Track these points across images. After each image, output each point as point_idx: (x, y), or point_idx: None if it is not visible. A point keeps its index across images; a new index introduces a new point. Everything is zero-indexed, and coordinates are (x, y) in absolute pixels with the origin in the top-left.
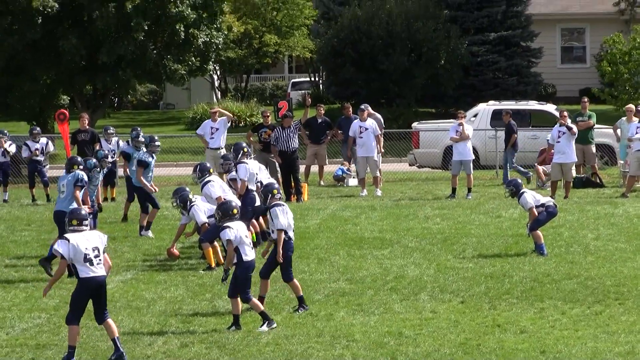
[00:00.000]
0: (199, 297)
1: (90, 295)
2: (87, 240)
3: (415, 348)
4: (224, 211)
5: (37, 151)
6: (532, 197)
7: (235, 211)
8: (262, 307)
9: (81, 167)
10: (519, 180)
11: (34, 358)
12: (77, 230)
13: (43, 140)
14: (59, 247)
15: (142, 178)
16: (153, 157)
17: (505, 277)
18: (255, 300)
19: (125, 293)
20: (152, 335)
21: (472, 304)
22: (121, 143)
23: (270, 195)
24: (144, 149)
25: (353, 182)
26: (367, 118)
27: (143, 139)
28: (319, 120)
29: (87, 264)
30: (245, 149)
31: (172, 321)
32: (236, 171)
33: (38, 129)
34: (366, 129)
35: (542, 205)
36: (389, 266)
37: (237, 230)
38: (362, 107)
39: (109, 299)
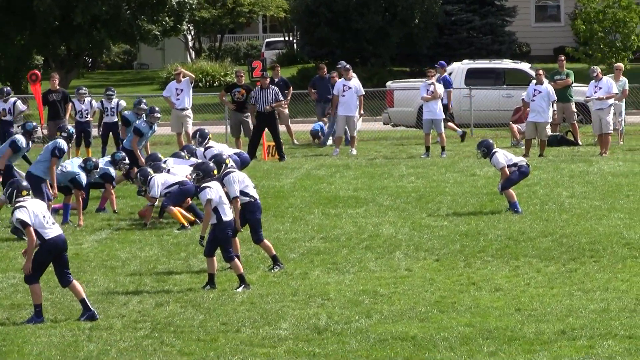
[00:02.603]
0: (173, 256)
1: (53, 257)
2: (37, 206)
3: (390, 306)
4: (204, 171)
5: (4, 111)
6: (503, 156)
7: (215, 172)
8: (241, 270)
9: (64, 135)
10: (490, 141)
11: (9, 318)
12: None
13: (11, 100)
14: (22, 215)
15: (135, 146)
16: (151, 128)
17: (480, 235)
18: (237, 261)
19: (100, 253)
20: (127, 294)
21: (447, 262)
22: (94, 103)
23: (223, 165)
24: (144, 117)
25: (330, 142)
26: (352, 77)
27: (145, 106)
28: (276, 80)
29: (47, 226)
30: (210, 135)
31: (147, 280)
32: (205, 157)
33: (7, 88)
34: (349, 87)
35: (515, 164)
36: (363, 225)
37: (217, 190)
38: (347, 66)
39: (84, 258)
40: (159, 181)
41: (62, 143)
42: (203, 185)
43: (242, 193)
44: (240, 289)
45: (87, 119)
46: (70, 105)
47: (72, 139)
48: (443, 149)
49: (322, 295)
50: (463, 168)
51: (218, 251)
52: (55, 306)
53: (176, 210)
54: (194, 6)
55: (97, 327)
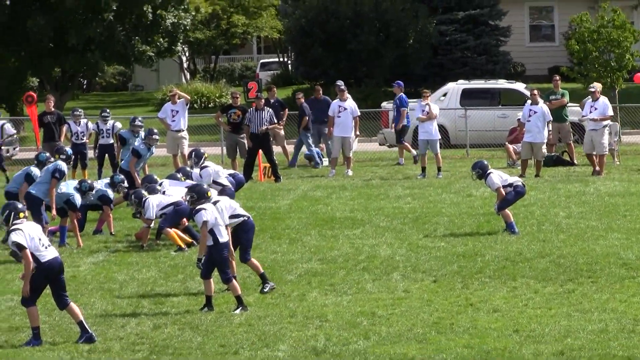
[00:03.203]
0: (171, 278)
1: (50, 280)
2: (33, 228)
3: (389, 328)
4: (198, 193)
5: None
6: (498, 177)
7: (209, 193)
8: (239, 291)
9: (63, 157)
10: (485, 162)
11: (7, 340)
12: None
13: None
14: (18, 238)
15: (133, 167)
16: (149, 150)
17: (478, 256)
18: (235, 282)
19: (97, 275)
20: (124, 317)
21: (444, 283)
22: (90, 125)
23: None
24: (142, 139)
25: (326, 163)
26: (347, 98)
27: (140, 123)
28: (272, 101)
29: (42, 249)
30: (206, 155)
31: (145, 303)
32: (201, 176)
33: None
34: (345, 109)
35: (510, 185)
36: (360, 246)
37: (212, 212)
38: (342, 87)
39: (81, 280)
40: (154, 202)
41: (62, 165)
42: (198, 207)
43: (233, 216)
44: (237, 311)
45: (83, 140)
46: (65, 127)
47: (70, 160)
48: (439, 169)
49: (320, 317)
50: (459, 189)
51: (215, 273)
52: (53, 329)
53: (173, 232)
54: (188, 27)
55: (95, 350)
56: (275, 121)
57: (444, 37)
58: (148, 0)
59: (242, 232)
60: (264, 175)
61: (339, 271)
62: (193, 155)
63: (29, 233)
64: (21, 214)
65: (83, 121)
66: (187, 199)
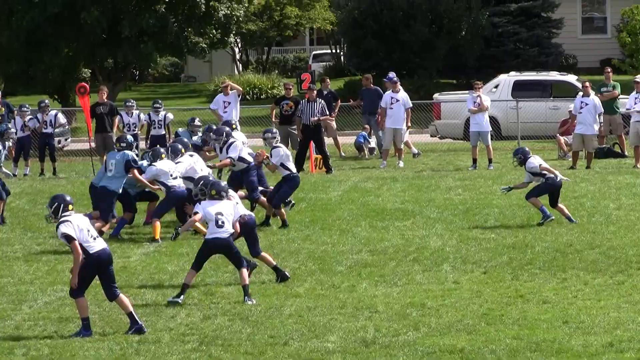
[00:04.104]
0: (221, 269)
1: (98, 271)
2: (81, 220)
3: (438, 319)
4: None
5: (45, 123)
6: (540, 159)
7: (213, 192)
8: (246, 281)
9: (123, 144)
10: (526, 148)
11: (57, 331)
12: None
13: (52, 112)
14: (67, 230)
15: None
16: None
17: (528, 248)
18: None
19: (148, 266)
20: (174, 307)
21: (494, 274)
22: (142, 116)
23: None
24: (200, 134)
25: (371, 150)
26: (399, 90)
27: (199, 124)
28: (325, 92)
29: (91, 240)
30: (234, 125)
31: (195, 293)
32: (227, 150)
33: (46, 101)
34: (397, 100)
35: (543, 175)
36: (411, 237)
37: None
38: (395, 79)
39: (131, 271)
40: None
41: (129, 154)
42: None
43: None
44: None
45: (135, 131)
46: (117, 118)
47: (132, 147)
48: (490, 161)
49: (369, 308)
50: (510, 180)
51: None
52: (103, 319)
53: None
54: (240, 19)
55: (145, 341)
56: (327, 113)
57: (496, 29)
58: None
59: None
60: (315, 166)
61: (389, 262)
62: (213, 133)
63: (77, 224)
64: (70, 206)
65: (135, 112)
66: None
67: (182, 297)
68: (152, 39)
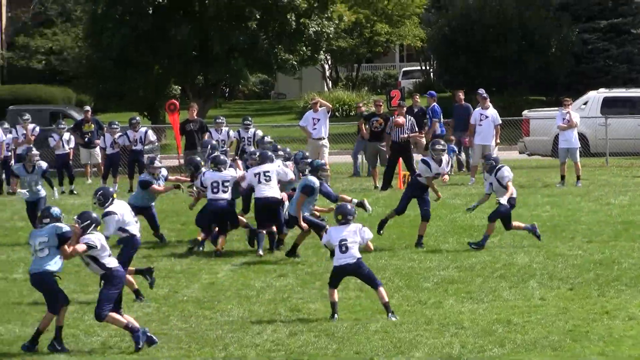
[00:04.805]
0: (308, 285)
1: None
2: (122, 206)
3: (524, 335)
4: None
5: (135, 141)
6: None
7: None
8: (386, 299)
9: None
10: (498, 157)
11: (143, 347)
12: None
13: (142, 130)
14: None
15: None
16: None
17: (615, 264)
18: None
19: (235, 282)
20: (261, 324)
21: (580, 290)
22: (231, 133)
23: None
24: (308, 173)
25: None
26: (489, 106)
27: (309, 159)
28: (415, 110)
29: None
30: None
31: (281, 310)
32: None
33: (137, 118)
34: (487, 117)
35: (505, 188)
36: (498, 254)
37: None
38: (484, 95)
39: (219, 287)
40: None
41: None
42: None
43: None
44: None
45: (224, 148)
46: (207, 135)
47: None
48: (578, 177)
49: (455, 324)
50: (598, 197)
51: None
52: (189, 335)
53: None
54: (331, 35)
55: (231, 357)
56: (417, 129)
57: (586, 46)
58: (292, 9)
59: None
60: (403, 183)
61: (476, 279)
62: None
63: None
64: (115, 195)
65: (225, 129)
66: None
67: (336, 315)
68: (243, 56)
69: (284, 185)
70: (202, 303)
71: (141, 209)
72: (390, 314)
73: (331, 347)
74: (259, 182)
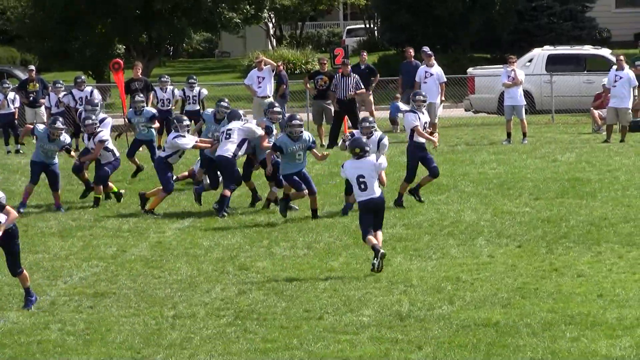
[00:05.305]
0: (255, 243)
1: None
2: None
3: (473, 293)
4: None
5: (80, 100)
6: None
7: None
8: (379, 245)
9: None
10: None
11: (92, 306)
12: None
13: (87, 89)
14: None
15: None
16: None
17: (562, 221)
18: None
19: (183, 241)
20: (209, 282)
21: (528, 248)
22: (176, 91)
23: None
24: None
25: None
26: (433, 64)
27: (226, 104)
28: (362, 67)
29: None
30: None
31: (230, 268)
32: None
33: (83, 77)
34: (431, 74)
35: None
36: (445, 211)
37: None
38: (429, 52)
39: (167, 246)
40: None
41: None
42: None
43: None
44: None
45: (169, 107)
46: (152, 93)
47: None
48: (524, 135)
49: (404, 282)
50: (544, 154)
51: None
52: (138, 295)
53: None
54: None
55: (180, 315)
56: (362, 87)
57: (530, 3)
58: None
59: None
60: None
61: (424, 236)
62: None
63: None
64: None
65: (169, 88)
66: None
67: (379, 257)
68: (186, 15)
69: (256, 142)
70: (150, 262)
71: (44, 165)
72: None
73: (280, 305)
74: (222, 139)
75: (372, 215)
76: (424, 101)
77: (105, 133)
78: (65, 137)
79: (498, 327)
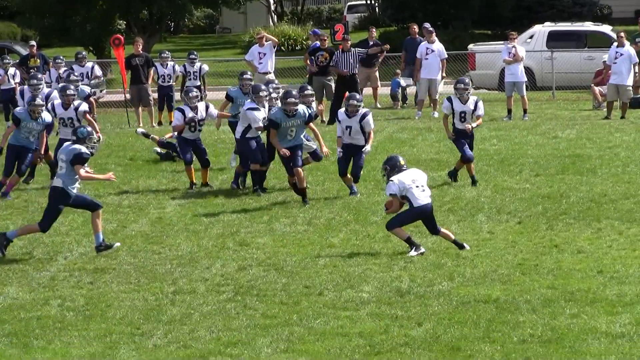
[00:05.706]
0: (256, 219)
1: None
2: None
3: (473, 269)
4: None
5: (81, 75)
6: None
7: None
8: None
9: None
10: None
11: (92, 282)
12: None
13: (88, 64)
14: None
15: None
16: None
17: (562, 198)
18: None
19: (183, 217)
20: (210, 258)
21: (529, 224)
22: (177, 67)
23: None
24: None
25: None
26: (435, 40)
27: (250, 76)
28: (370, 43)
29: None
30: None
31: (230, 244)
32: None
33: (84, 53)
34: (432, 51)
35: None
36: (445, 188)
37: None
38: (430, 29)
39: (167, 222)
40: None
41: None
42: None
43: None
44: (412, 252)
45: (170, 83)
46: (152, 69)
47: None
48: (525, 111)
49: (404, 258)
50: (545, 130)
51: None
52: (138, 270)
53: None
54: None
55: (180, 291)
56: (364, 56)
57: None
58: None
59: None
60: None
61: None
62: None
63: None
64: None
65: (170, 64)
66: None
67: (415, 249)
68: None
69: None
70: (151, 238)
71: (22, 149)
72: (461, 247)
73: (280, 282)
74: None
75: (417, 220)
76: (465, 89)
77: (85, 105)
78: (46, 115)
79: (498, 304)
